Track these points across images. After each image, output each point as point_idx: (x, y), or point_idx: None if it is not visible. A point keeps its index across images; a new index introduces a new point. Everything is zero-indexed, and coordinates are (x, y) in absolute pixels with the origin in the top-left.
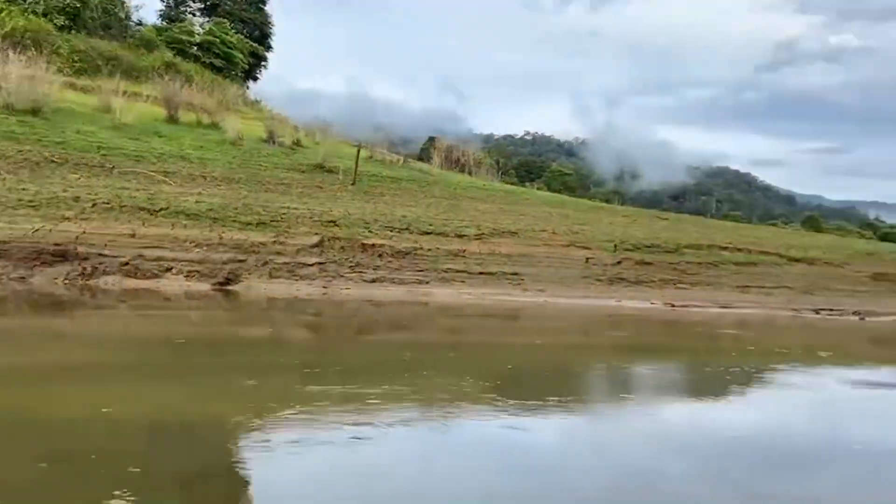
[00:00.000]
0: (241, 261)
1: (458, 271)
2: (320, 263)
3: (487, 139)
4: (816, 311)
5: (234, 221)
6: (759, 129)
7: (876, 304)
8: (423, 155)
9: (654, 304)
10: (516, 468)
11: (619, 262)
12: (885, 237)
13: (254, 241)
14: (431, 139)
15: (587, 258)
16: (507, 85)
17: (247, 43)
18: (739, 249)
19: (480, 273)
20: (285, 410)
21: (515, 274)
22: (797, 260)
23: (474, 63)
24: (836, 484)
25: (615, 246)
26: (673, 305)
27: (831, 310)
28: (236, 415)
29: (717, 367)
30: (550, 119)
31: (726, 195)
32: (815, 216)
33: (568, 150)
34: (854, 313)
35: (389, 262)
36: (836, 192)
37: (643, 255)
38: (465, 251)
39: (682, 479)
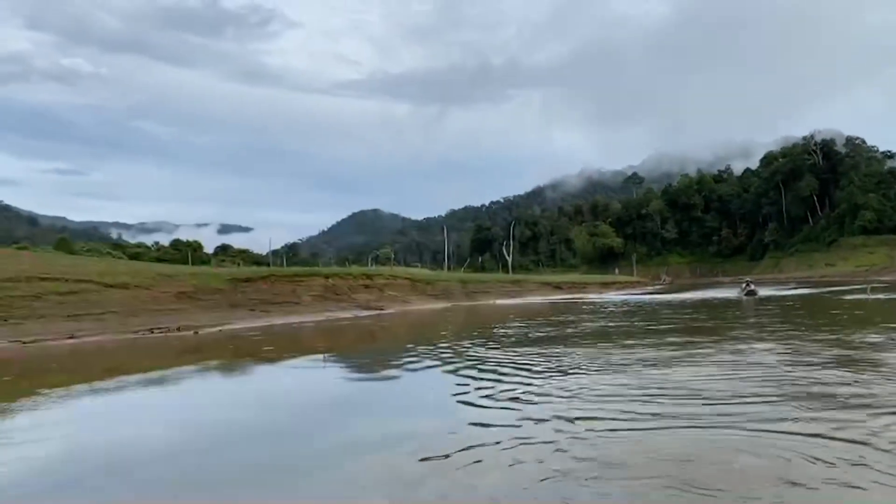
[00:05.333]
0: None
1: None
2: None
3: None
4: (150, 331)
5: None
6: None
7: (191, 320)
8: None
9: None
10: None
11: None
12: (136, 256)
13: None
14: None
15: None
16: None
17: None
18: (57, 279)
19: None
20: None
21: None
22: (111, 286)
23: None
24: None
25: None
26: (23, 342)
27: (159, 328)
28: None
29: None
30: None
31: None
32: (66, 238)
33: None
34: (177, 329)
35: None
36: (78, 213)
37: None
38: None
39: None
